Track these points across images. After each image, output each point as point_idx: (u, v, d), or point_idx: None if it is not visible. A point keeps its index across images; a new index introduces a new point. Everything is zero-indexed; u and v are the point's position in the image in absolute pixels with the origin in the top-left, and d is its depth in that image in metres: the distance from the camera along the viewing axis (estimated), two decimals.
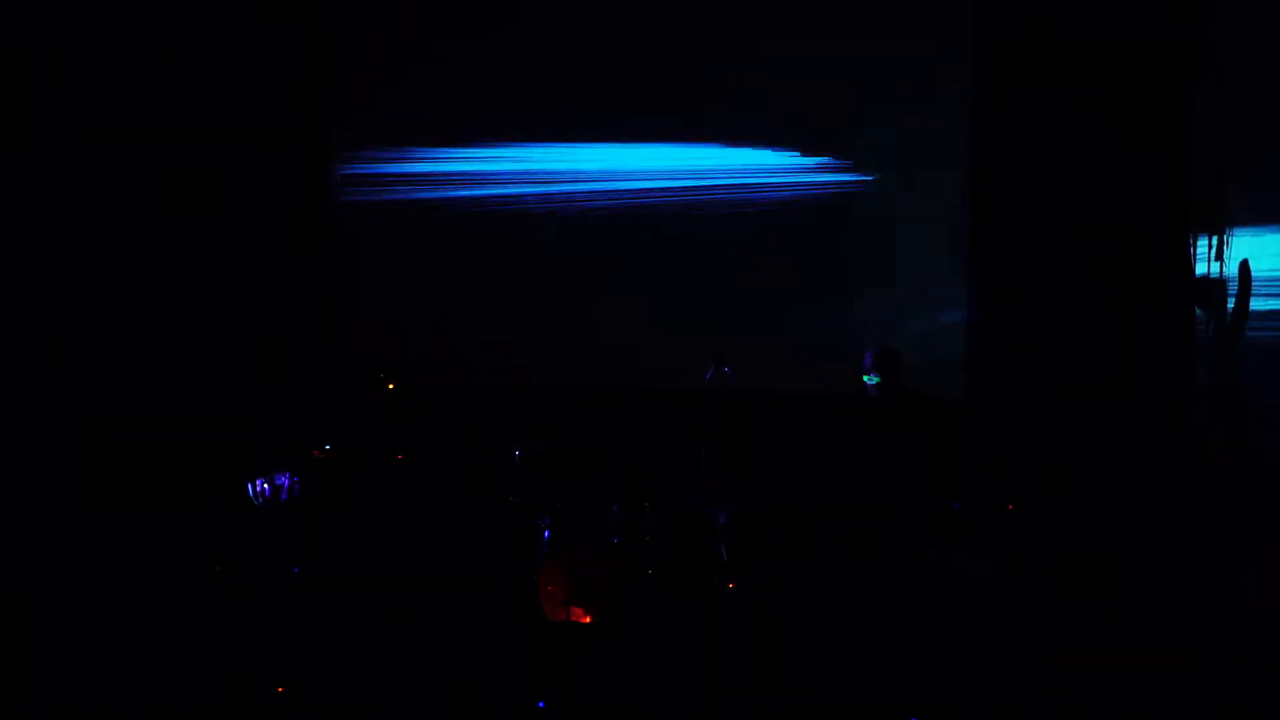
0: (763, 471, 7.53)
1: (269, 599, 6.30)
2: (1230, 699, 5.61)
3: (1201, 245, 7.31)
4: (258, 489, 6.27)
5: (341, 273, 8.53)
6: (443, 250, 8.46)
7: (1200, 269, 7.31)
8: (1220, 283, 6.95)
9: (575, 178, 8.38)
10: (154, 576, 6.81)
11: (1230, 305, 6.72)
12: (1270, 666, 5.90)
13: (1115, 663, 6.00)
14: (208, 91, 8.11)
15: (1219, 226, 7.06)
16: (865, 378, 6.80)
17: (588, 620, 6.15)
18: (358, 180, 8.51)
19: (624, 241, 8.35)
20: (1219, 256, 7.02)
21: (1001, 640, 6.23)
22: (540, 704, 5.32)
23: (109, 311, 8.00)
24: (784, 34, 8.12)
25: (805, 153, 8.18)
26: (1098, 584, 7.08)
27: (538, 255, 8.39)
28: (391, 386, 7.66)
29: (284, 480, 6.33)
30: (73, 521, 7.30)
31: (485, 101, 8.35)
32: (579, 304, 8.36)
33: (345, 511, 6.97)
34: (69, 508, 7.42)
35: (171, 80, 8.06)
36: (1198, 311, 7.34)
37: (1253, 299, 6.48)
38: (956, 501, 7.11)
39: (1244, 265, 6.53)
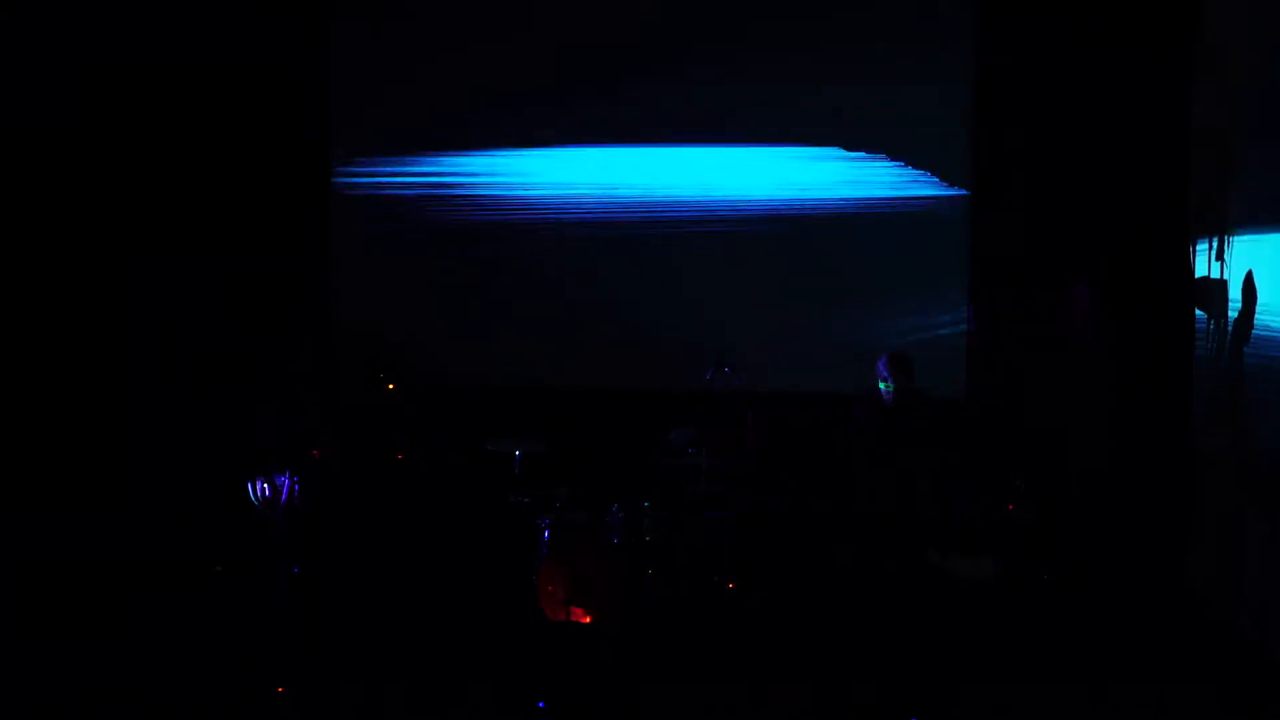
0: (763, 472, 7.52)
1: (269, 599, 6.30)
2: (1230, 699, 5.61)
3: (1201, 246, 7.31)
4: (258, 489, 6.26)
5: (342, 272, 8.52)
6: (443, 250, 8.45)
7: (1200, 269, 7.31)
8: (1221, 283, 6.95)
9: (577, 178, 8.37)
10: (154, 576, 6.81)
11: (1235, 312, 6.72)
12: (1270, 666, 5.91)
13: (1115, 663, 6.00)
14: (207, 90, 8.11)
15: (1219, 227, 7.06)
16: (881, 384, 6.85)
17: (588, 620, 6.14)
18: (358, 180, 8.51)
19: (624, 242, 8.35)
20: (1219, 257, 7.02)
21: (1001, 640, 6.22)
22: (540, 704, 5.32)
23: (107, 309, 8.01)
24: (782, 33, 8.13)
25: (809, 144, 8.18)
26: (1097, 584, 7.08)
27: (538, 255, 8.39)
28: (391, 386, 7.65)
29: (284, 480, 6.33)
30: (73, 520, 7.30)
31: (486, 101, 8.35)
32: (579, 304, 8.37)
33: (345, 511, 6.96)
34: (70, 507, 7.43)
35: (171, 78, 8.06)
36: (1198, 312, 7.34)
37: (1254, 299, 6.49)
38: (957, 502, 7.12)
39: (1249, 277, 6.53)
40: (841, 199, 8.15)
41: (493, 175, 8.42)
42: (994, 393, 7.96)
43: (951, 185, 8.05)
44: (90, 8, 7.85)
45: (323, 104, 8.44)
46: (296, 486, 6.34)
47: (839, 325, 8.11)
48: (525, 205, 8.40)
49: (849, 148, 8.13)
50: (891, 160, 8.10)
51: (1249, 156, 6.64)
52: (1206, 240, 7.22)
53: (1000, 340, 8.00)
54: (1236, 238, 6.81)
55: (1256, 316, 6.46)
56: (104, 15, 7.89)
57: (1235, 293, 6.72)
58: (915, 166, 8.08)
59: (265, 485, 6.28)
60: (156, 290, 8.06)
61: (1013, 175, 7.93)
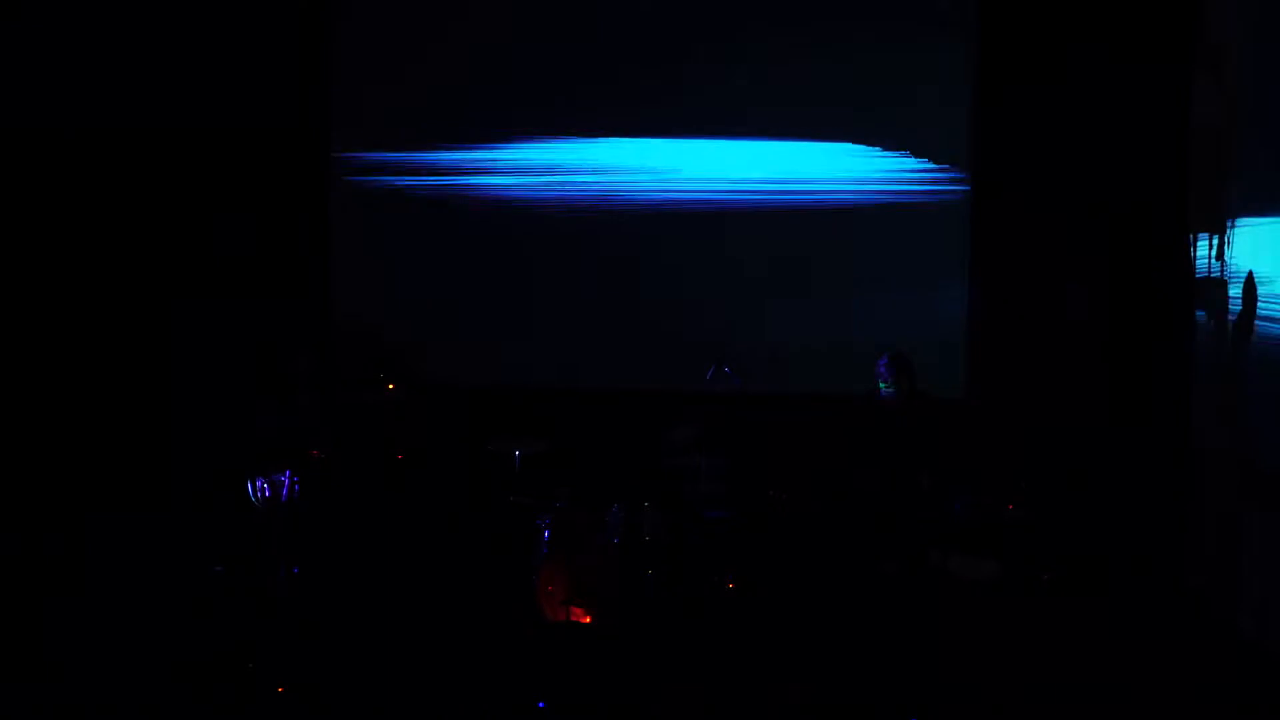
0: (764, 472, 7.52)
1: (269, 599, 6.30)
2: (1230, 699, 5.61)
3: (1202, 245, 7.31)
4: (258, 489, 6.25)
5: (341, 271, 8.53)
6: (443, 250, 8.46)
7: (1200, 268, 7.31)
8: (1221, 283, 6.95)
9: (576, 179, 8.37)
10: (153, 577, 6.81)
11: (1235, 311, 6.72)
12: (1270, 666, 5.91)
13: (1115, 663, 5.99)
14: (205, 88, 8.11)
15: (1219, 226, 7.06)
16: (880, 384, 6.83)
17: (588, 620, 6.14)
18: (357, 179, 8.51)
19: (624, 243, 8.35)
20: (1219, 256, 7.02)
21: (1001, 640, 6.22)
22: (540, 704, 5.32)
23: (107, 310, 8.01)
24: (783, 31, 8.13)
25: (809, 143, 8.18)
26: (1098, 584, 7.08)
27: (538, 255, 8.39)
28: (391, 386, 7.65)
29: (284, 480, 6.32)
30: (73, 521, 7.31)
31: (486, 102, 8.35)
32: (579, 304, 8.37)
33: (345, 511, 6.96)
34: (69, 507, 7.44)
35: (169, 78, 8.05)
36: (1198, 312, 7.34)
37: (1254, 299, 6.49)
38: (957, 502, 7.12)
39: (1249, 278, 6.53)
40: (841, 199, 8.15)
41: (493, 176, 8.41)
42: (994, 392, 7.96)
43: (952, 185, 8.05)
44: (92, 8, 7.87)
45: (323, 104, 8.44)
46: (296, 486, 6.33)
47: (839, 325, 8.11)
48: (525, 206, 8.40)
49: (848, 150, 8.12)
50: (892, 160, 8.10)
51: (1248, 155, 6.64)
52: (1207, 239, 7.22)
53: (1000, 340, 8.00)
54: (1237, 229, 6.80)
55: (1257, 315, 6.47)
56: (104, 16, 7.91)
57: (1235, 293, 6.72)
58: (915, 168, 8.08)
59: (265, 485, 6.27)
60: (154, 289, 8.07)
61: (1013, 175, 7.93)
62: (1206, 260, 7.18)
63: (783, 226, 8.21)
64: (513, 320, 8.39)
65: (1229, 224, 6.89)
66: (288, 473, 6.32)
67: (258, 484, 6.25)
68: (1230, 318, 6.78)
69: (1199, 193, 7.38)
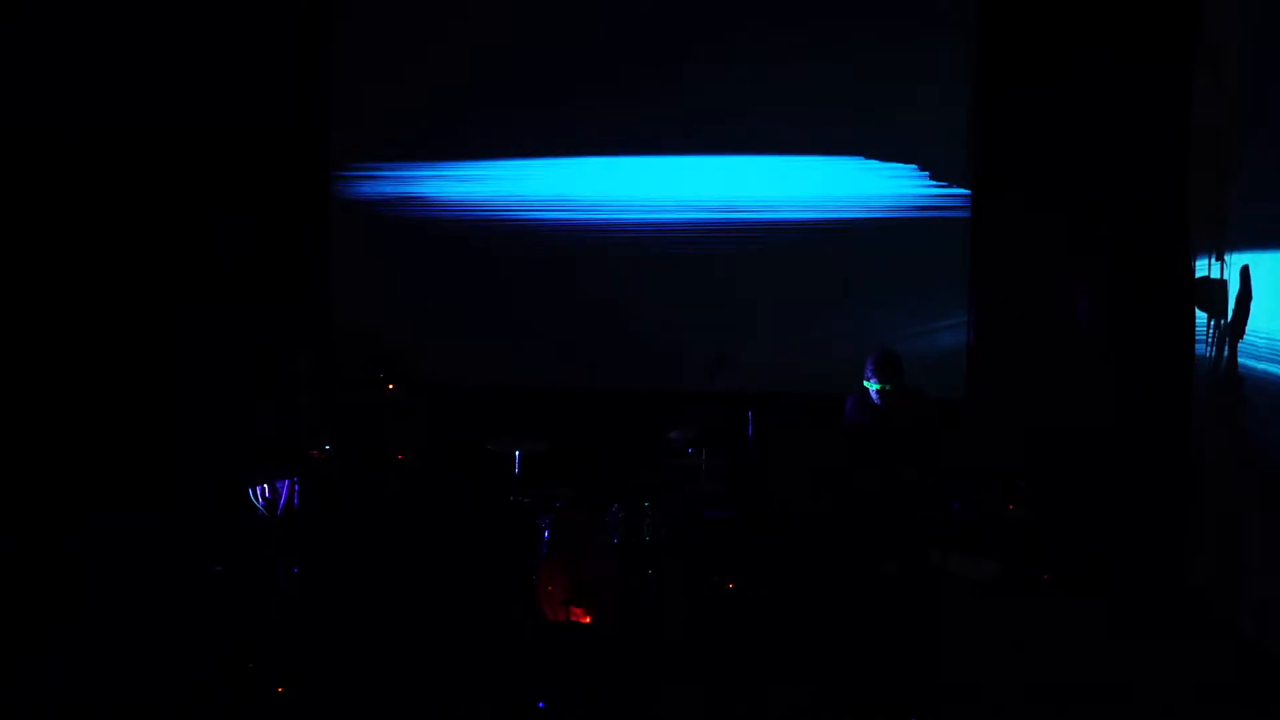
0: (764, 473, 7.52)
1: (269, 599, 6.30)
2: (1230, 699, 5.61)
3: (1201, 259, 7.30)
4: (258, 491, 6.26)
5: (341, 271, 8.53)
6: (444, 250, 8.46)
7: (1200, 269, 7.31)
8: (1220, 283, 6.95)
9: (577, 180, 8.36)
10: (153, 577, 6.81)
11: (1231, 308, 6.72)
12: (1270, 666, 5.91)
13: (1115, 663, 5.99)
14: (206, 89, 8.11)
15: (1219, 227, 7.06)
16: (866, 383, 6.81)
17: (588, 620, 6.14)
18: (357, 179, 8.51)
19: (625, 243, 8.34)
20: (1219, 256, 7.01)
21: (1001, 640, 6.22)
22: (540, 704, 5.32)
23: (107, 310, 8.01)
24: (780, 36, 8.13)
25: (808, 147, 8.17)
26: (1098, 584, 7.08)
27: (539, 256, 8.39)
28: (391, 386, 7.65)
29: (284, 481, 6.32)
30: (73, 521, 7.31)
31: (485, 102, 8.35)
32: (580, 305, 8.36)
33: (345, 512, 6.96)
34: (70, 508, 7.44)
35: (169, 78, 8.06)
36: (1198, 312, 7.34)
37: (1253, 302, 6.49)
38: (957, 502, 7.11)
39: (1244, 271, 6.53)
40: (841, 200, 8.15)
41: (493, 176, 8.41)
42: (994, 393, 7.96)
43: (952, 186, 8.05)
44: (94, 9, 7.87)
45: (323, 104, 8.44)
46: (296, 487, 6.34)
47: (839, 326, 8.10)
48: (526, 206, 8.40)
49: (848, 150, 8.12)
50: (892, 162, 8.09)
51: (1248, 155, 6.64)
52: (1206, 248, 7.22)
53: (1000, 340, 8.00)
54: (1235, 234, 6.81)
55: (1253, 324, 6.47)
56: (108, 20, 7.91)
57: (1233, 288, 6.72)
58: (915, 167, 8.07)
59: (265, 486, 6.27)
60: (154, 290, 8.07)
61: (1013, 175, 7.93)
62: (1207, 260, 7.17)
63: (784, 230, 8.20)
64: (513, 320, 8.39)
65: (1229, 232, 6.89)
66: (288, 474, 6.32)
67: (258, 485, 6.26)
68: (1229, 320, 6.78)
69: (1199, 193, 7.38)
